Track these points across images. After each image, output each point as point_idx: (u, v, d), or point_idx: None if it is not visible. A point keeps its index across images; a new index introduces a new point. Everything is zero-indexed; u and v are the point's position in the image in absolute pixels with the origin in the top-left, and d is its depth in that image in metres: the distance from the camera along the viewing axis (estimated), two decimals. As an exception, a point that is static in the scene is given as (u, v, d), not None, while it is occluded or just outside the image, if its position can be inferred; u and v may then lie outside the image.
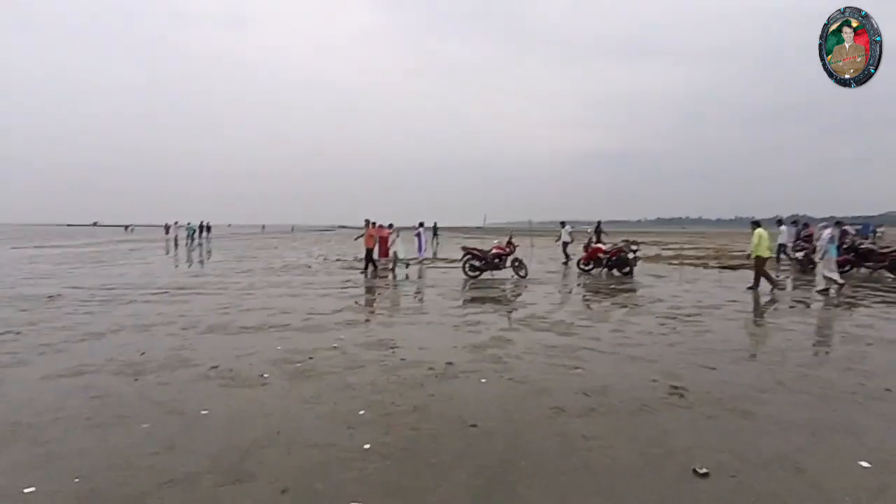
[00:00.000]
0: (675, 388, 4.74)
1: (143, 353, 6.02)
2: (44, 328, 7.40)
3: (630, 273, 14.96)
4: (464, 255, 14.86)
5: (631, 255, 15.17)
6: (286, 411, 4.20)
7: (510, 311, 9.10)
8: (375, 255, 20.99)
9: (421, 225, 20.88)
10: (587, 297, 11.01)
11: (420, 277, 14.88)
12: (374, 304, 9.97)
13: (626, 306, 9.53)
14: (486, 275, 14.60)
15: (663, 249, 29.45)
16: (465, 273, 14.49)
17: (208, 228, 40.82)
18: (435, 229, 35.42)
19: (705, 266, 18.30)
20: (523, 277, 14.23)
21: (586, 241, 16.78)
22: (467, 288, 12.53)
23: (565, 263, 18.29)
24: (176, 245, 32.59)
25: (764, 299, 10.39)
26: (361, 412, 4.16)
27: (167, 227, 40.24)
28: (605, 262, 15.38)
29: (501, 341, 6.70)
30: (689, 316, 8.47)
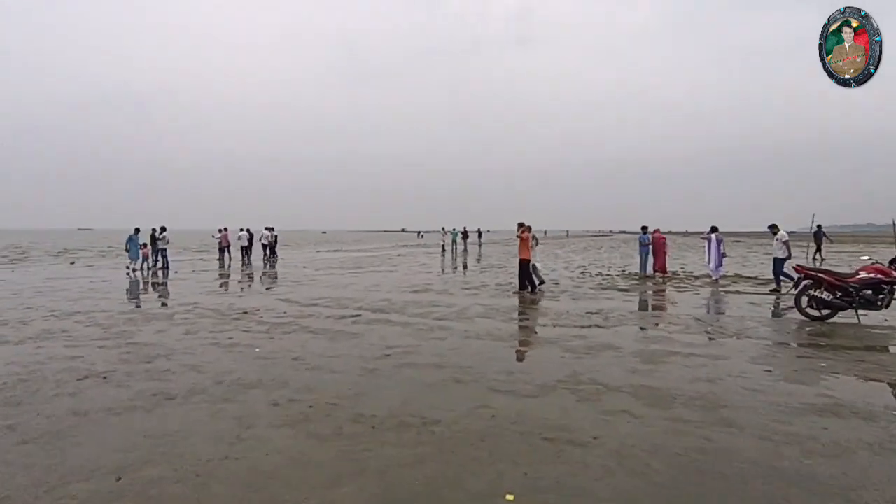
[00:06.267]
0: None
1: (121, 468, 3.13)
2: (143, 370, 5.39)
3: None
4: (798, 280, 8.83)
5: None
6: None
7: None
8: (649, 270, 15.92)
9: (714, 230, 14.71)
10: None
11: (713, 311, 9.45)
12: (611, 374, 5.45)
13: None
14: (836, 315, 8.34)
15: None
16: (801, 311, 8.50)
17: (479, 234, 40.86)
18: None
19: None
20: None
21: None
22: (805, 340, 6.82)
23: (776, 290, 11.89)
24: (444, 250, 32.84)
25: None
26: None
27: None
28: None
29: None
30: None
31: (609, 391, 4.76)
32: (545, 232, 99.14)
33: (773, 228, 12.47)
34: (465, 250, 33.98)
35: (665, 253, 15.82)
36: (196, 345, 6.64)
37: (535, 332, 7.60)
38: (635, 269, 17.33)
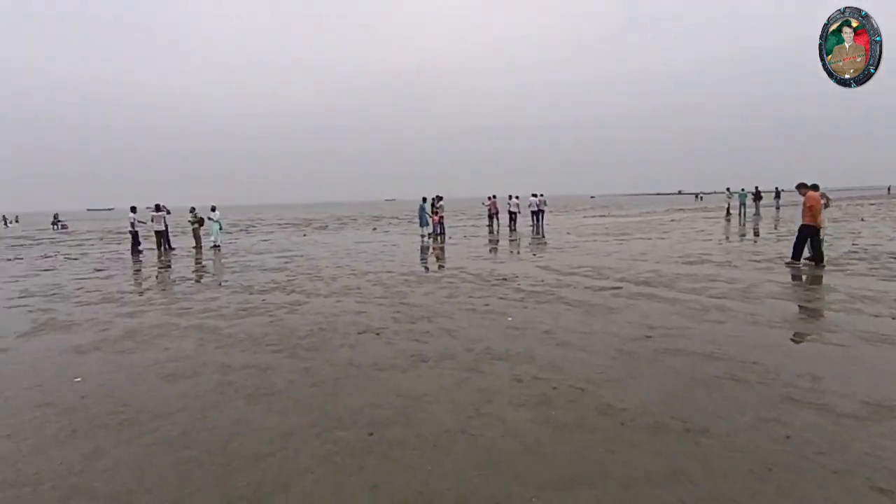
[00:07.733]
0: None
1: None
2: (407, 330, 5.88)
3: None
4: None
5: None
6: None
7: None
8: None
9: None
10: None
11: None
12: None
13: None
14: None
15: None
16: None
17: (776, 194, 34.15)
18: None
19: None
20: None
21: None
22: None
23: None
24: (728, 214, 28.54)
25: None
26: None
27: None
28: None
29: None
30: None
31: None
32: (889, 188, 75.40)
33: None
34: (757, 214, 28.66)
35: None
36: (455, 309, 6.99)
37: (860, 325, 5.68)
38: None
